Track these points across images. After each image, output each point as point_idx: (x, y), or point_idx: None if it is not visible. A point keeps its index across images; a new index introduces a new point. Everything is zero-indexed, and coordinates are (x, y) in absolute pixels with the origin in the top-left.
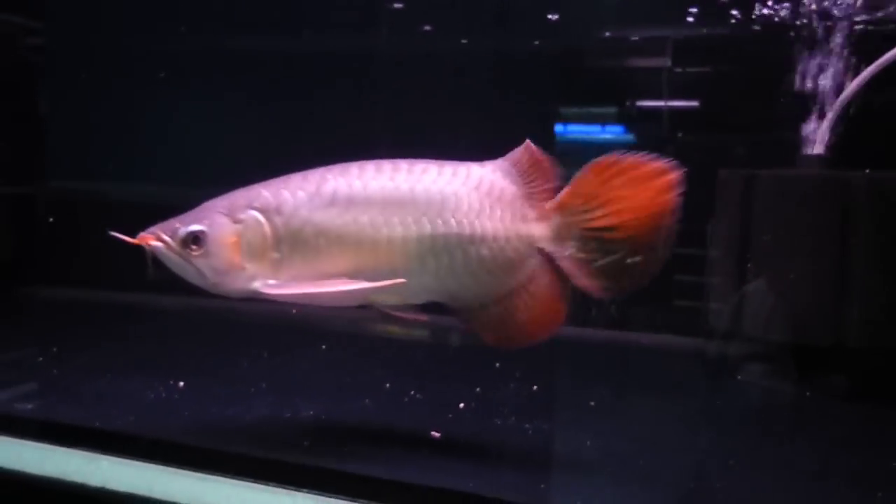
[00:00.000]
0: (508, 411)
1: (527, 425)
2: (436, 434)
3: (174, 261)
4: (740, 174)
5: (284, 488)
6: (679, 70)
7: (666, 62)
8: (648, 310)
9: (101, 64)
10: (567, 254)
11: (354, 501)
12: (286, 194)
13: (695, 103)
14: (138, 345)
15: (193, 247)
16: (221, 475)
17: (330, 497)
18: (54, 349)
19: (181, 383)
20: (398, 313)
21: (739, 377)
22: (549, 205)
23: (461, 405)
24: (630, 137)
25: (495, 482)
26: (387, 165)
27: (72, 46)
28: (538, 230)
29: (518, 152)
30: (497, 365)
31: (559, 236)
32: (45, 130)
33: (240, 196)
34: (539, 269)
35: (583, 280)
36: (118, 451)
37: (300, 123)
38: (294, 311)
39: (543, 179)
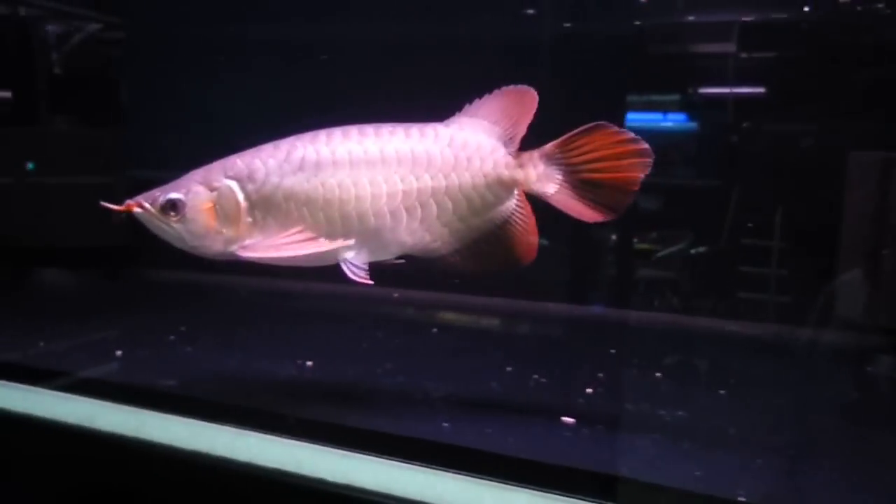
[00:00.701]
0: (639, 397)
1: (661, 412)
2: (569, 420)
3: (156, 225)
4: (877, 157)
5: (429, 467)
6: (745, 56)
7: (731, 47)
8: (713, 299)
9: (180, 55)
10: (553, 192)
11: (501, 483)
12: (258, 163)
13: (761, 90)
14: (259, 325)
15: (172, 213)
16: (367, 453)
17: (476, 478)
18: (182, 328)
19: (309, 363)
20: (360, 281)
21: (869, 368)
22: (537, 152)
23: (588, 390)
24: (693, 126)
25: (648, 468)
26: (353, 130)
27: (150, 40)
28: (522, 175)
29: (485, 105)
30: (612, 352)
31: (545, 178)
32: (131, 121)
33: (216, 166)
34: (515, 210)
35: (578, 211)
36: (265, 427)
37: (381, 111)
38: (395, 295)
39: (523, 124)
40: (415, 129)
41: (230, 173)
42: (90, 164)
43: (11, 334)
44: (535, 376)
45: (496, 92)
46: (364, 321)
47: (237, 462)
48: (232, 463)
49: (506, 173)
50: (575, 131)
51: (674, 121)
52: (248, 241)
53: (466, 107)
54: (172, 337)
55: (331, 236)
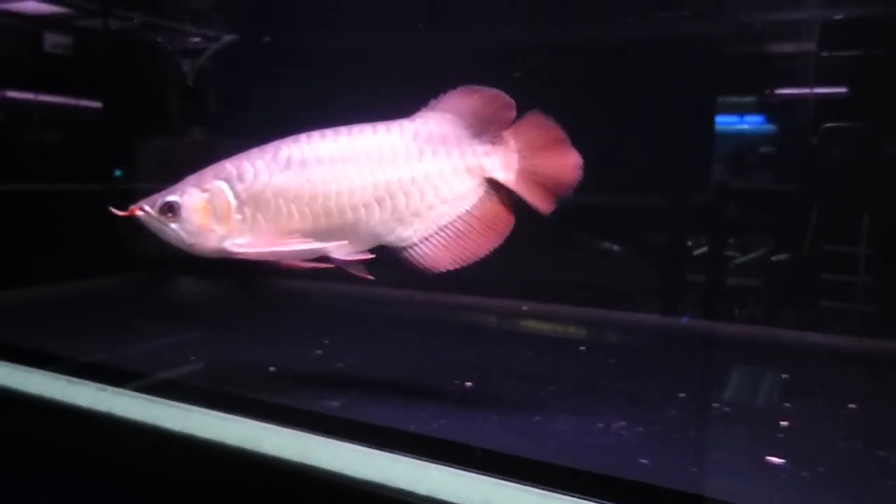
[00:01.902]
0: (845, 434)
1: (882, 453)
2: (777, 460)
3: (156, 227)
4: None
5: None
6: (826, 54)
7: (811, 46)
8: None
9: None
10: (514, 179)
11: None
12: (246, 164)
13: (842, 90)
14: (397, 338)
15: (169, 214)
16: (566, 493)
17: None
18: (325, 341)
19: (468, 383)
20: (348, 258)
21: None
22: (497, 141)
23: (783, 423)
24: (771, 127)
25: None
26: (329, 132)
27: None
28: (488, 163)
29: (450, 96)
30: (784, 376)
31: (507, 166)
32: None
33: (208, 171)
34: (484, 196)
35: (533, 199)
36: (447, 459)
37: None
38: (524, 308)
39: (490, 120)
40: (381, 126)
41: (221, 175)
42: None
43: (162, 348)
44: (715, 405)
45: (460, 89)
46: (504, 337)
47: (417, 495)
48: (411, 496)
49: (472, 161)
50: (521, 119)
51: (750, 123)
52: (239, 239)
53: (431, 102)
54: (319, 351)
55: (315, 230)
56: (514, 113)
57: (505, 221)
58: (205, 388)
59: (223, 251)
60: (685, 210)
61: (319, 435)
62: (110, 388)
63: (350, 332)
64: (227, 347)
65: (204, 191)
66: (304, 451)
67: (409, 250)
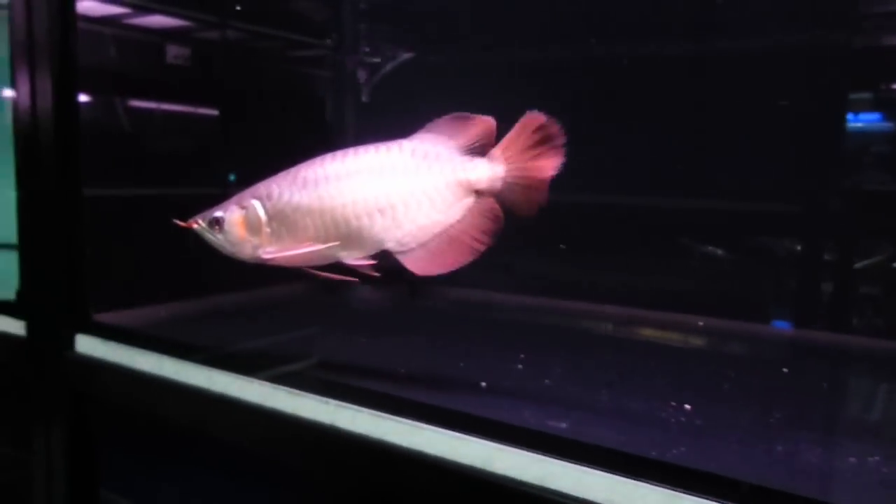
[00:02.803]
0: None
1: None
2: None
3: (206, 236)
4: None
5: None
6: None
7: None
8: None
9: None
10: (500, 189)
11: None
12: (274, 185)
13: None
14: (584, 353)
15: (216, 227)
16: None
17: None
18: (521, 355)
19: (687, 406)
20: (357, 263)
21: None
22: (485, 155)
23: None
24: (888, 126)
25: None
26: (339, 153)
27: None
28: (476, 175)
29: (443, 121)
30: None
31: (493, 178)
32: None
33: (247, 191)
34: (473, 206)
35: (519, 206)
36: (703, 491)
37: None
38: (700, 323)
39: (478, 137)
40: (383, 146)
41: (256, 195)
42: None
43: (368, 360)
44: None
45: (453, 115)
46: (693, 354)
47: None
48: None
49: (461, 175)
50: (511, 132)
51: (865, 121)
52: (269, 248)
53: (427, 125)
54: (519, 366)
55: (328, 238)
56: (488, 133)
57: (493, 227)
58: (428, 404)
59: (257, 258)
60: (800, 213)
61: (556, 457)
62: (332, 402)
63: (535, 344)
64: (429, 359)
65: (242, 208)
66: (544, 475)
67: (408, 254)
